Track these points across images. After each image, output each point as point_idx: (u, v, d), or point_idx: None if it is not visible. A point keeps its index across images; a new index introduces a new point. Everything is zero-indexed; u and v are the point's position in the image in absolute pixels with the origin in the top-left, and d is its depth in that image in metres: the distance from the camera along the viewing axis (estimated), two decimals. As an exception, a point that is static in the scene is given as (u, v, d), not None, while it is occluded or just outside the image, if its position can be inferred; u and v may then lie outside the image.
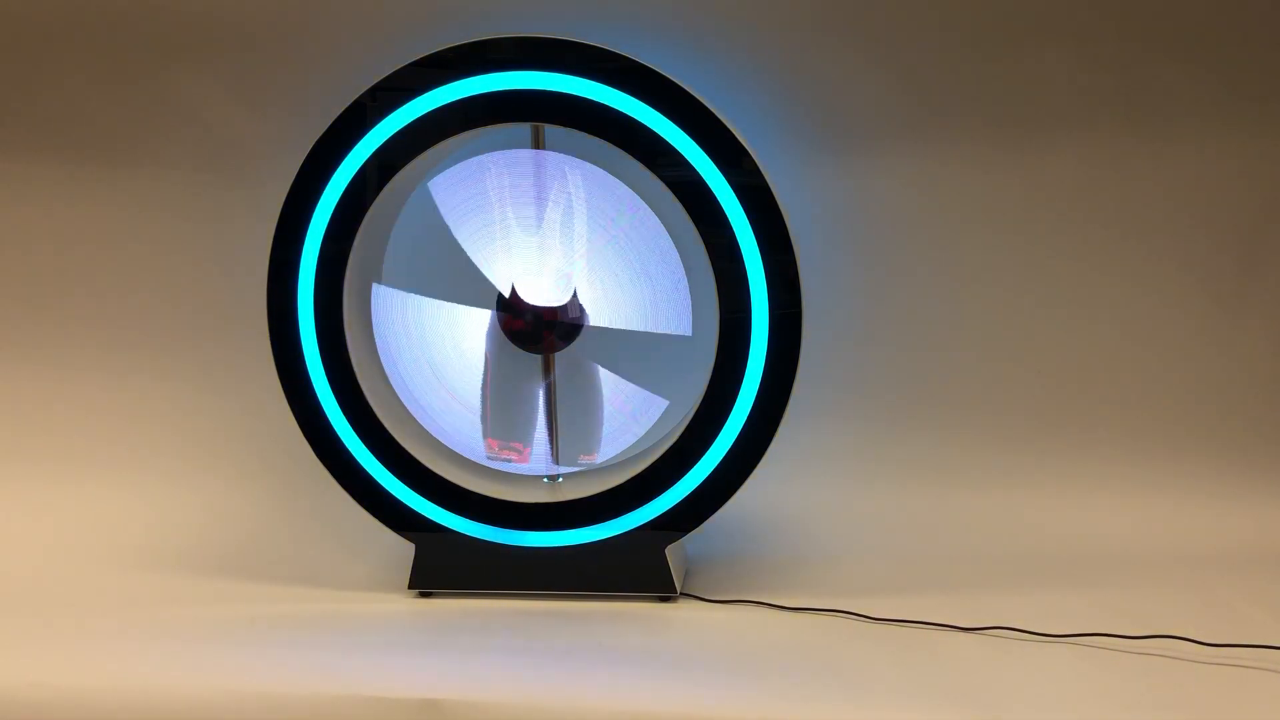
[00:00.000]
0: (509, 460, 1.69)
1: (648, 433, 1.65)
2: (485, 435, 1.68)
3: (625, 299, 1.61)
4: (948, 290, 1.95)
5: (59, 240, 2.08)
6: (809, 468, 1.96)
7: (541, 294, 1.63)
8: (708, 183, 1.51)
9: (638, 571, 1.61)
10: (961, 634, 1.49)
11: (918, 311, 1.96)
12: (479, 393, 1.67)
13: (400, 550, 1.68)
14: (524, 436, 1.69)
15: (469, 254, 1.63)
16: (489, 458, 1.68)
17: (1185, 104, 1.86)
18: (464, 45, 1.55)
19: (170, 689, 1.38)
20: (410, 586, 1.65)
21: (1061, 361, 1.95)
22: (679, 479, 1.59)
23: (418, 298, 1.65)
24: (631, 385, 1.64)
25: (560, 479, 1.72)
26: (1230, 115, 1.86)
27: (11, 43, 2.01)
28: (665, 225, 1.57)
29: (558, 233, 1.61)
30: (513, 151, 1.60)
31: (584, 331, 1.65)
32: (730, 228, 1.52)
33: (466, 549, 1.64)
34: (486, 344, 1.66)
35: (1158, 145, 1.87)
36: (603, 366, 1.66)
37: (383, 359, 1.67)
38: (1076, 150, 1.89)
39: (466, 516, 1.64)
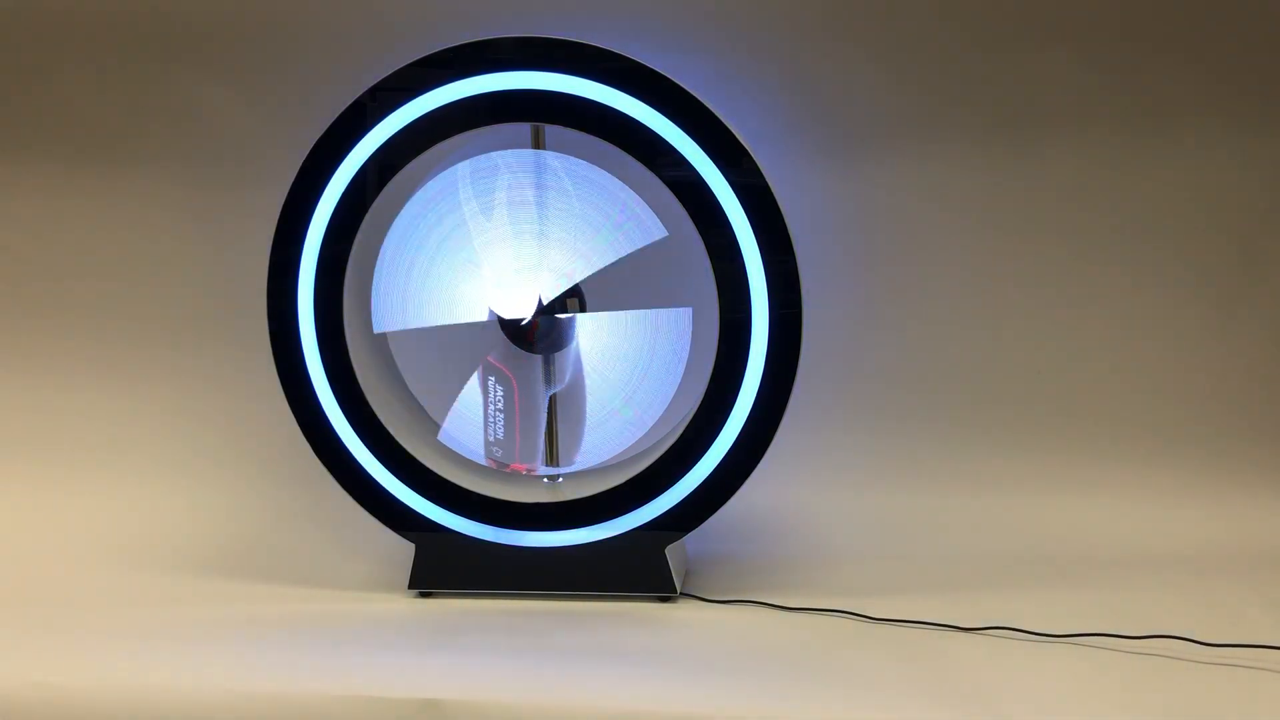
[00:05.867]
0: (519, 473, 1.69)
1: (648, 433, 1.65)
2: (489, 446, 1.68)
3: (624, 299, 1.61)
4: (947, 290, 1.95)
5: (58, 240, 2.09)
6: (809, 468, 1.96)
7: (541, 294, 1.63)
8: (708, 183, 1.51)
9: (638, 571, 1.61)
10: (961, 634, 1.49)
11: (917, 311, 1.96)
12: (478, 395, 1.67)
13: (400, 550, 1.68)
14: (531, 450, 1.69)
15: (468, 254, 1.63)
16: (491, 464, 1.68)
17: (1185, 104, 1.86)
18: (464, 45, 1.55)
19: (170, 689, 1.38)
20: (410, 586, 1.65)
21: (1061, 361, 1.95)
22: (679, 479, 1.59)
23: (418, 298, 1.64)
24: (631, 385, 1.64)
25: (560, 479, 1.72)
26: (1230, 115, 1.86)
27: (11, 42, 2.01)
28: (665, 225, 1.57)
29: (557, 232, 1.61)
30: (512, 151, 1.60)
31: (583, 331, 1.65)
32: (730, 228, 1.52)
33: (466, 549, 1.64)
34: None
35: (1158, 145, 1.87)
36: (602, 366, 1.66)
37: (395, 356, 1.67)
38: (1076, 150, 1.89)
39: (466, 516, 1.64)
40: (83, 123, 2.04)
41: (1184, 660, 1.40)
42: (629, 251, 1.58)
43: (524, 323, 1.63)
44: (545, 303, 1.62)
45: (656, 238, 1.55)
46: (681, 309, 1.59)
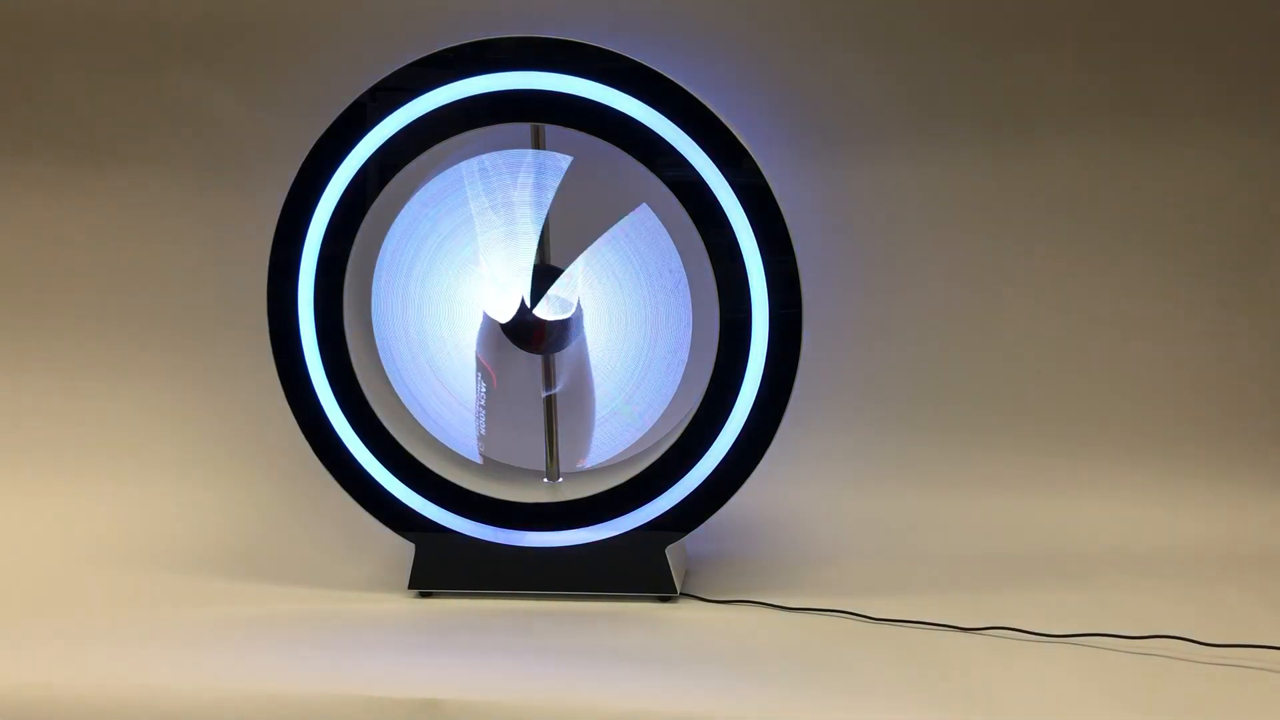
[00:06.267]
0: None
1: (648, 433, 1.65)
2: (484, 448, 1.68)
3: (625, 299, 1.61)
4: (947, 290, 1.95)
5: (58, 240, 2.09)
6: (809, 468, 1.96)
7: (541, 294, 1.63)
8: (708, 183, 1.51)
9: (638, 571, 1.61)
10: (961, 634, 1.49)
11: (917, 312, 1.96)
12: (476, 397, 1.67)
13: (400, 550, 1.67)
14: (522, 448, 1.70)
15: (468, 254, 1.63)
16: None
17: (1185, 104, 1.86)
18: (464, 45, 1.55)
19: (170, 689, 1.38)
20: (410, 586, 1.65)
21: (1061, 361, 1.95)
22: (679, 479, 1.59)
23: (417, 298, 1.64)
24: (632, 385, 1.64)
25: (560, 479, 1.72)
26: (1230, 115, 1.86)
27: (11, 42, 2.01)
28: (665, 225, 1.57)
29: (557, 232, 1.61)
30: (512, 152, 1.60)
31: (584, 331, 1.65)
32: (730, 228, 1.52)
33: (466, 549, 1.64)
34: (481, 347, 1.66)
35: (1158, 145, 1.87)
36: (603, 366, 1.66)
37: (383, 359, 1.67)
38: (1076, 150, 1.89)
39: (466, 516, 1.64)
40: (83, 123, 2.04)
41: (1184, 660, 1.40)
42: (630, 249, 1.58)
43: (524, 324, 1.63)
44: (543, 304, 1.62)
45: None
46: (681, 304, 1.59)
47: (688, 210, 1.52)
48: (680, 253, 1.57)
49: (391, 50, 1.59)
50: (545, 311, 1.63)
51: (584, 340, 1.65)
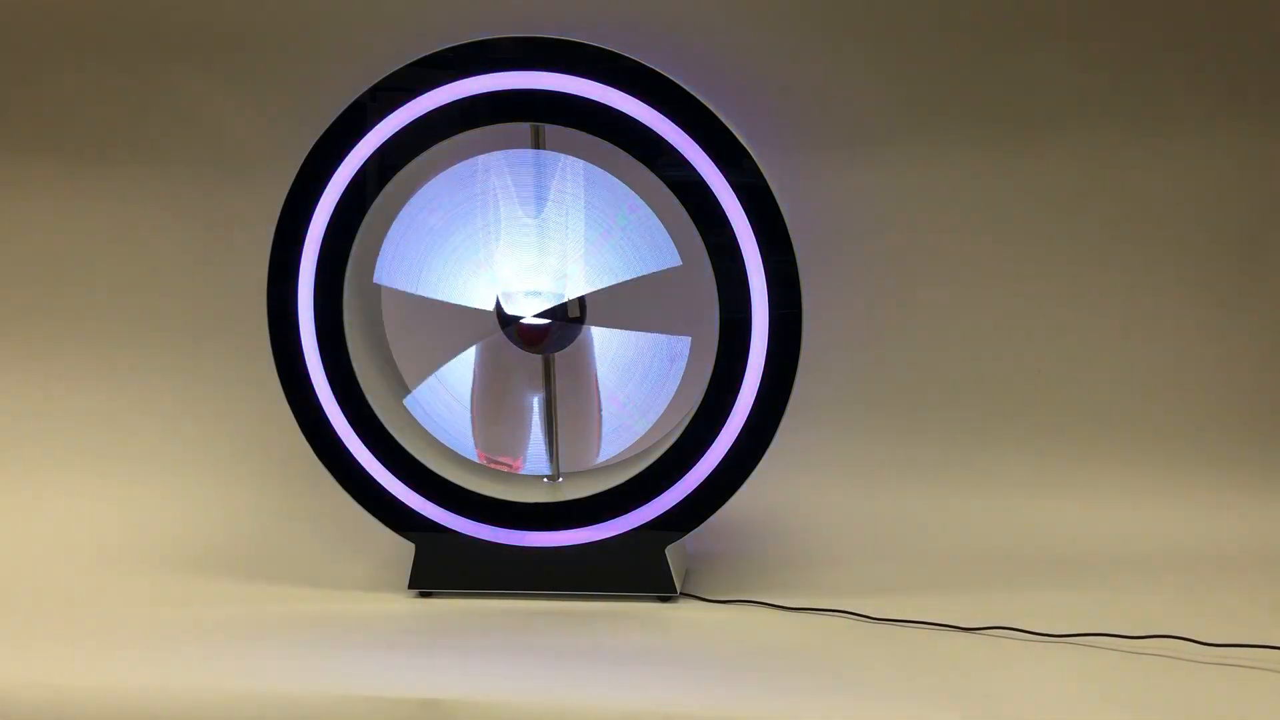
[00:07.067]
0: (504, 469, 1.70)
1: (648, 432, 1.65)
2: (478, 445, 1.68)
3: (624, 298, 1.61)
4: (947, 290, 1.95)
5: (59, 240, 2.09)
6: (809, 468, 1.96)
7: (541, 294, 1.63)
8: (708, 183, 1.51)
9: (638, 571, 1.61)
10: (961, 634, 1.49)
11: (917, 311, 1.96)
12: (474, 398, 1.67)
13: (400, 550, 1.67)
14: (518, 446, 1.69)
15: (468, 254, 1.63)
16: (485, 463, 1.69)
17: (1185, 104, 1.86)
18: (464, 45, 1.55)
19: (170, 689, 1.38)
20: (410, 586, 1.65)
21: (1061, 361, 1.95)
22: (679, 479, 1.59)
23: (417, 297, 1.64)
24: (632, 384, 1.64)
25: (560, 479, 1.72)
26: (1230, 115, 1.86)
27: (11, 42, 2.01)
28: (665, 225, 1.57)
29: (557, 232, 1.61)
30: (512, 151, 1.60)
31: (584, 331, 1.65)
32: (730, 228, 1.52)
33: (466, 549, 1.64)
34: (481, 347, 1.66)
35: (1157, 145, 1.87)
36: (603, 366, 1.66)
37: (382, 359, 1.67)
38: (1076, 150, 1.89)
39: (466, 516, 1.64)
40: (83, 123, 2.04)
41: (1184, 660, 1.40)
42: (630, 249, 1.58)
43: (526, 323, 1.63)
44: (550, 305, 1.62)
45: (669, 265, 1.56)
46: (681, 304, 1.59)
47: (688, 210, 1.52)
48: (680, 252, 1.57)
49: (392, 50, 1.59)
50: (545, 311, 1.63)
51: (585, 340, 1.65)
